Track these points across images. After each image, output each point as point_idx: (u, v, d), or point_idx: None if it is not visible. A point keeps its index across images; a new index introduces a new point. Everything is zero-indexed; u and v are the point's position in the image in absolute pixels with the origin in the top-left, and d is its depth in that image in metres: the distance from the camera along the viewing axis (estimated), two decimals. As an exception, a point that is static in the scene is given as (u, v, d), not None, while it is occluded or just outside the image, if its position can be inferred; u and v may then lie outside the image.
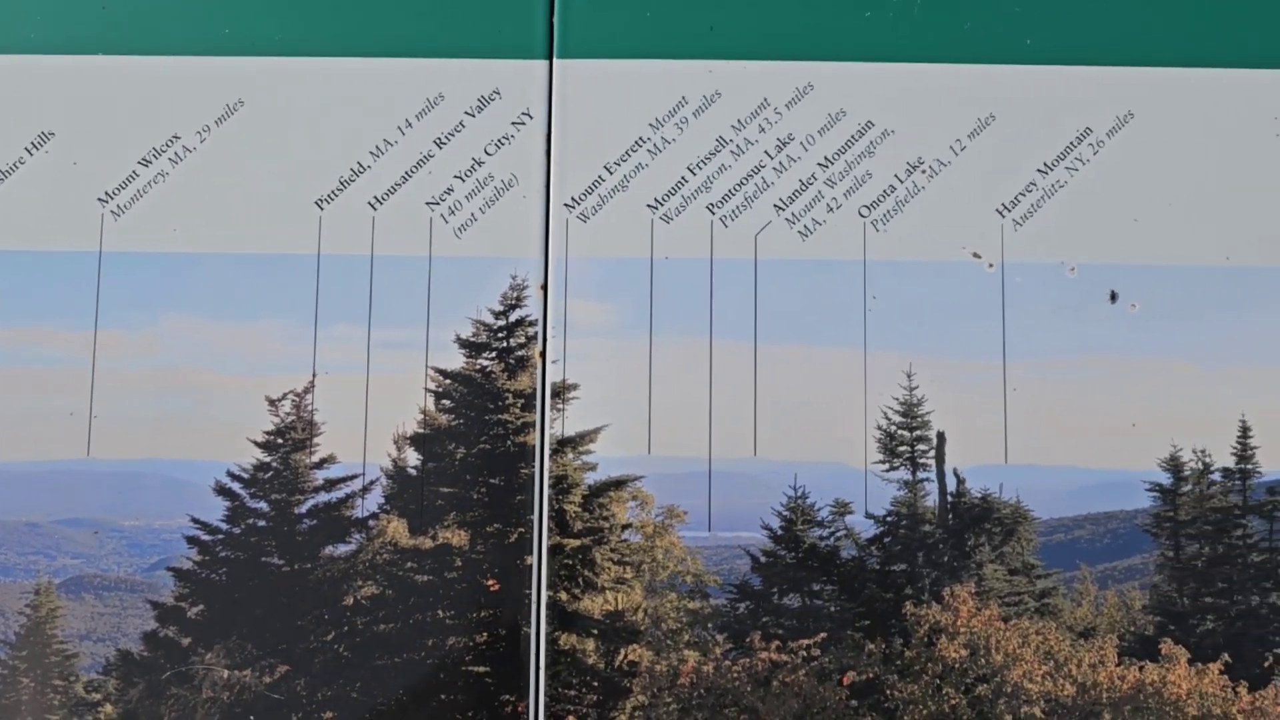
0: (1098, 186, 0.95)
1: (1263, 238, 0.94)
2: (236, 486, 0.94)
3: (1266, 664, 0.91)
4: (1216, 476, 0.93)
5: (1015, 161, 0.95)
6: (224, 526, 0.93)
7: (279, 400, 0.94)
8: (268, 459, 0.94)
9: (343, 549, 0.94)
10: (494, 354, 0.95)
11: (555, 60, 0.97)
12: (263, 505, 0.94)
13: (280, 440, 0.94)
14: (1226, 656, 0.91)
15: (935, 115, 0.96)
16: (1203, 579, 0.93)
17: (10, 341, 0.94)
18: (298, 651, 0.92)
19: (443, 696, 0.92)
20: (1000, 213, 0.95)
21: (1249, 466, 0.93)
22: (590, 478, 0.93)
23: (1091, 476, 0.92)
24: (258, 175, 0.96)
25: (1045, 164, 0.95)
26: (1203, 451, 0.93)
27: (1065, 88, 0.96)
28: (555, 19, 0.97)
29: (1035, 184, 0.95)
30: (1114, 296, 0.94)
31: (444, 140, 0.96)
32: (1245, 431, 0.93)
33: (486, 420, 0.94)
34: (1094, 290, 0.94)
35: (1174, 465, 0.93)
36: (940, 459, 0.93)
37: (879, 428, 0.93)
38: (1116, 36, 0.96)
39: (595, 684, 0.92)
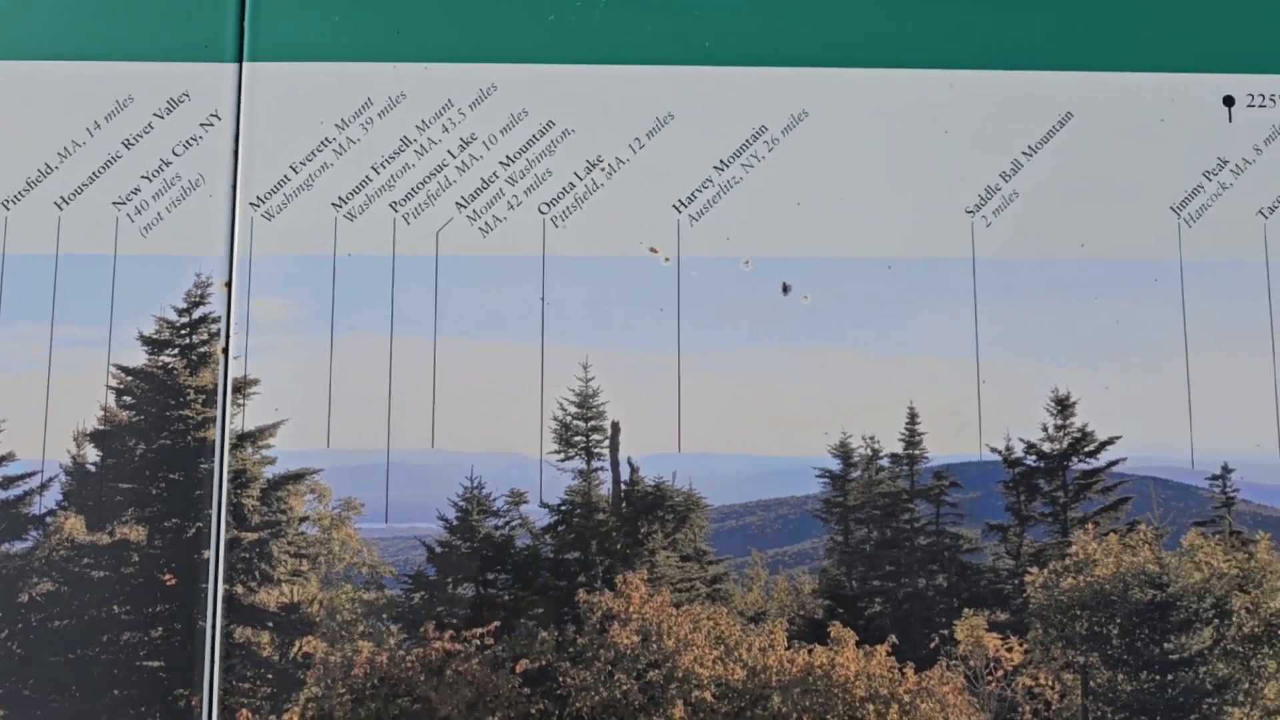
0: (772, 183, 0.97)
1: (926, 233, 0.97)
2: (-86, 485, 0.93)
3: (932, 644, 0.93)
4: (885, 462, 0.95)
5: (692, 159, 0.98)
6: (-100, 526, 0.93)
7: (-42, 398, 0.94)
8: (-54, 457, 0.94)
9: (19, 546, 0.93)
10: (176, 351, 0.95)
11: (245, 63, 0.98)
12: (-61, 503, 0.93)
13: (-41, 438, 0.94)
14: (894, 638, 0.93)
15: (615, 115, 0.98)
16: (871, 562, 0.95)
17: None
18: (-29, 650, 0.92)
19: (116, 692, 0.91)
20: (677, 209, 0.97)
21: (916, 452, 0.95)
22: (269, 471, 0.94)
23: (763, 464, 0.94)
24: (-56, 176, 0.96)
25: (722, 161, 0.98)
26: (872, 438, 0.95)
27: (742, 88, 0.99)
28: (245, 23, 0.99)
29: (711, 180, 0.97)
30: (786, 289, 0.96)
31: (132, 141, 0.97)
32: (913, 418, 0.95)
33: (167, 416, 0.94)
34: (768, 283, 0.96)
35: (844, 452, 0.95)
36: (614, 448, 0.94)
37: (555, 418, 0.94)
38: (791, 38, 0.99)
39: (269, 676, 0.91)
